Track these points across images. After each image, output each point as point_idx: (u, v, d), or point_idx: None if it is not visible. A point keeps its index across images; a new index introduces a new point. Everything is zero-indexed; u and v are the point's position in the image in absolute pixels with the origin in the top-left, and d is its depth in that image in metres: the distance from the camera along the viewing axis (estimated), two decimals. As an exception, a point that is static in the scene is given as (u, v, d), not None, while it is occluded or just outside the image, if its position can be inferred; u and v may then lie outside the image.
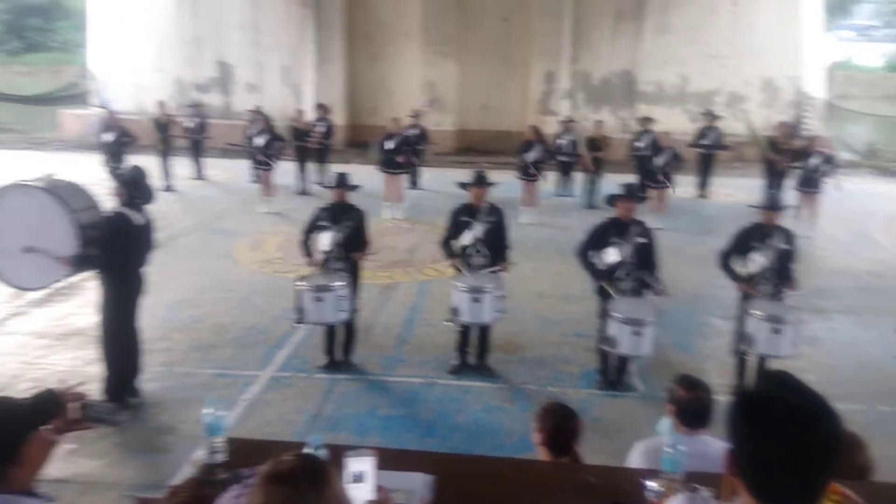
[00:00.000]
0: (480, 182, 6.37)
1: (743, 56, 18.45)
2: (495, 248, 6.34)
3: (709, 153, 14.07)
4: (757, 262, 5.96)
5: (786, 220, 6.31)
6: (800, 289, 6.09)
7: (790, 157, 12.13)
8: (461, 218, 6.35)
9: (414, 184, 14.31)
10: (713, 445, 2.90)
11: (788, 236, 6.05)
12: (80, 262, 5.26)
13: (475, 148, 19.01)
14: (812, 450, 1.35)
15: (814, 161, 11.31)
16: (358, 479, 2.06)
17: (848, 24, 46.04)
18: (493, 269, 6.27)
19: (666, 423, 2.70)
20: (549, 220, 11.99)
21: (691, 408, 3.09)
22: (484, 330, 6.36)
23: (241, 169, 14.30)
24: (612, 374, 6.23)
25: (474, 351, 6.45)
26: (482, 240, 6.28)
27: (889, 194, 15.23)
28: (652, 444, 3.03)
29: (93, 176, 9.70)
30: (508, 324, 6.69)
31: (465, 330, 6.34)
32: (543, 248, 10.19)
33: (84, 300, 7.59)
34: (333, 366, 6.31)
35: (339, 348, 6.38)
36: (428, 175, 14.99)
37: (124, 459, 4.87)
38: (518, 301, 7.45)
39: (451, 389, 6.06)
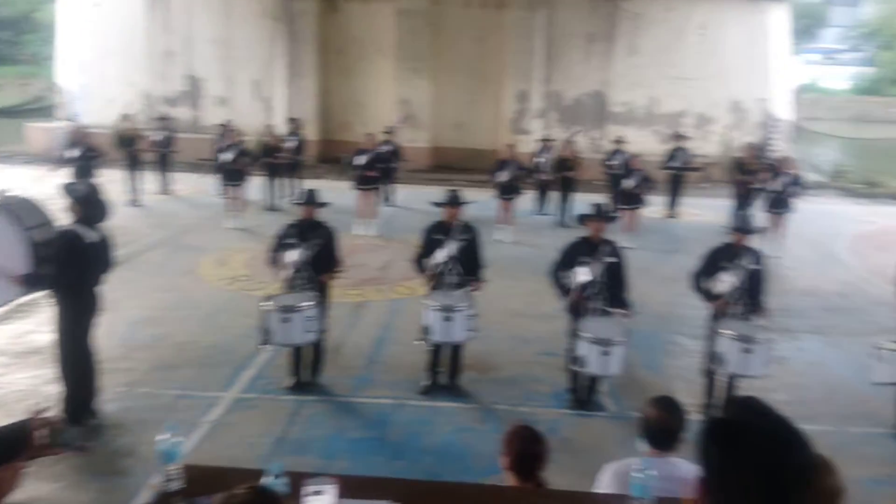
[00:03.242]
0: (454, 202, 6.33)
1: (710, 78, 18.77)
2: (469, 266, 6.29)
3: (678, 174, 14.23)
4: (727, 282, 5.98)
5: (755, 241, 6.35)
6: (770, 309, 6.12)
7: (757, 178, 12.31)
8: (434, 236, 6.29)
9: (387, 200, 14.24)
10: (683, 468, 2.85)
11: (758, 257, 6.09)
12: (33, 282, 5.06)
13: (450, 165, 18.99)
14: (786, 476, 1.32)
15: (781, 182, 11.49)
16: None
17: (814, 48, 47.38)
18: (466, 288, 6.21)
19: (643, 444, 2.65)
20: (524, 239, 11.97)
21: (660, 429, 3.04)
22: (456, 349, 6.29)
23: (208, 184, 14.09)
24: (583, 393, 6.19)
25: (446, 371, 6.36)
26: (455, 258, 6.22)
27: (855, 215, 15.54)
28: (622, 467, 2.98)
29: (54, 191, 9.44)
30: (481, 343, 6.61)
31: (436, 349, 6.26)
32: (518, 266, 10.15)
33: (43, 318, 7.33)
34: (300, 387, 6.17)
35: (307, 369, 6.25)
36: (402, 192, 14.93)
37: (82, 483, 4.69)
38: (491, 320, 7.38)
39: (421, 410, 5.96)
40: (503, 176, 12.09)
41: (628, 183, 11.95)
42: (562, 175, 13.38)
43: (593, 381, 6.15)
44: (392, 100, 19.45)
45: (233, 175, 12.32)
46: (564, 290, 6.06)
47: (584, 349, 5.60)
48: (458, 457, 5.24)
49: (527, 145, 16.20)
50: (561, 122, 19.46)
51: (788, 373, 7.00)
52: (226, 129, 13.57)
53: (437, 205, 6.48)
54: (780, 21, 19.00)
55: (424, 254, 6.32)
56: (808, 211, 13.26)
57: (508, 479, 3.07)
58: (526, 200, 13.35)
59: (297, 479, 2.12)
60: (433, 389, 6.27)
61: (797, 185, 11.64)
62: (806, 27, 42.56)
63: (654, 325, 7.80)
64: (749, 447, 1.33)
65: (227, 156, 12.37)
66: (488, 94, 19.64)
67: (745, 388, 5.84)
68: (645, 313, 6.87)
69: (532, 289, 8.73)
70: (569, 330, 6.03)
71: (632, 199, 11.96)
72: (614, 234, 7.40)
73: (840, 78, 44.61)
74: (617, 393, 6.36)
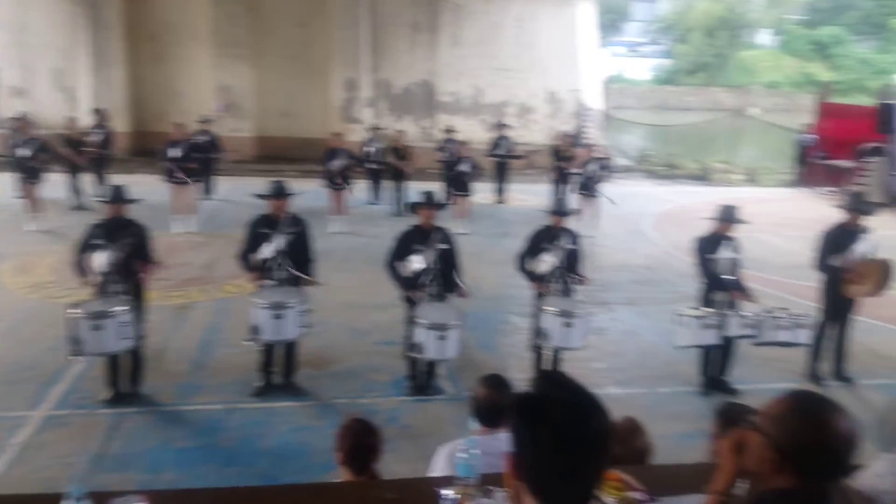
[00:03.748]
0: (279, 193, 6.09)
1: (528, 70, 19.71)
2: (299, 260, 6.11)
3: (503, 161, 14.83)
4: (547, 261, 6.32)
5: (571, 222, 6.76)
6: (588, 282, 6.56)
7: (572, 164, 13.14)
8: (260, 230, 6.03)
9: (207, 194, 13.51)
10: (512, 443, 2.95)
11: (574, 237, 6.49)
12: None
13: (278, 156, 18.42)
14: (588, 443, 1.37)
15: (592, 167, 12.34)
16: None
17: (619, 41, 51.45)
18: (297, 282, 6.05)
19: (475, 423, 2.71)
20: (358, 229, 11.88)
21: (489, 407, 3.13)
22: (289, 347, 6.10)
23: (3, 183, 12.57)
24: (422, 379, 6.27)
25: (280, 370, 6.16)
26: (285, 252, 6.02)
27: (658, 195, 17.07)
28: (453, 448, 3.03)
29: None
30: (316, 338, 6.49)
31: (268, 348, 6.03)
32: (353, 257, 10.07)
33: None
34: (119, 399, 5.69)
35: (125, 379, 5.77)
36: (226, 184, 14.24)
37: None
38: (326, 313, 7.26)
39: (254, 413, 5.73)
40: (334, 165, 11.91)
41: (459, 170, 12.27)
42: (393, 164, 13.46)
43: (431, 365, 6.25)
44: (211, 88, 18.49)
45: (31, 172, 11.08)
46: (401, 279, 6.10)
47: (422, 335, 5.66)
48: (295, 457, 5.10)
49: (358, 134, 16.09)
50: (391, 110, 19.54)
51: (606, 342, 7.56)
52: (21, 122, 12.17)
53: (261, 197, 6.22)
54: (587, 15, 20.34)
55: (249, 249, 6.04)
56: (617, 193, 14.37)
57: (343, 475, 3.03)
58: (359, 190, 13.28)
59: (103, 499, 1.93)
60: (267, 390, 6.05)
61: (607, 170, 12.56)
62: (611, 21, 46.15)
63: (487, 306, 8.09)
64: (551, 419, 1.37)
65: (25, 151, 11.09)
66: (316, 82, 19.25)
67: (568, 360, 6.23)
68: (478, 296, 7.09)
69: (368, 279, 8.70)
70: (406, 317, 6.08)
71: (462, 186, 12.30)
72: (446, 220, 7.55)
73: (642, 69, 48.85)
74: (454, 375, 6.51)
